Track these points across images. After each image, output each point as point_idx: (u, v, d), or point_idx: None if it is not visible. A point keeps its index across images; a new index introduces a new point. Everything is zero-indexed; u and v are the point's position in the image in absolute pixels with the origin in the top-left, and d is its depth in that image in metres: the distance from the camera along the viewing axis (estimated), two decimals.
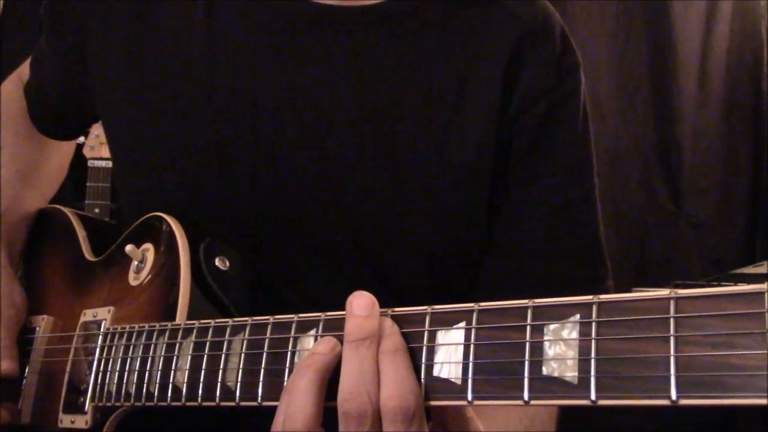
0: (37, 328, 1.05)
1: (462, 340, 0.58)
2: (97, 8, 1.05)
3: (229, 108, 0.97)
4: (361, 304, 0.64)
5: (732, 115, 3.23)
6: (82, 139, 2.81)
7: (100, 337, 0.92)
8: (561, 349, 0.52)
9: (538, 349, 0.53)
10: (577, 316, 0.52)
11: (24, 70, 1.25)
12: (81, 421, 0.91)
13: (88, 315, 0.97)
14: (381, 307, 0.65)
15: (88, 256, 1.08)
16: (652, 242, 3.20)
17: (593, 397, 0.50)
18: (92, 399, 0.90)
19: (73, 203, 2.60)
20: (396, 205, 0.95)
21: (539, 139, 0.98)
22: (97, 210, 2.70)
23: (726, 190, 3.23)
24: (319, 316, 0.68)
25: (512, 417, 0.89)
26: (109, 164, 2.81)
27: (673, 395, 0.48)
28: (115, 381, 0.86)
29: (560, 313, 0.53)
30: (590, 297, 0.52)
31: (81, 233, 1.11)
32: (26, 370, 1.03)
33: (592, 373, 0.50)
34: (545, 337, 0.53)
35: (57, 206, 1.20)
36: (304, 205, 0.95)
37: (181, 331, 0.80)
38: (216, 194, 0.97)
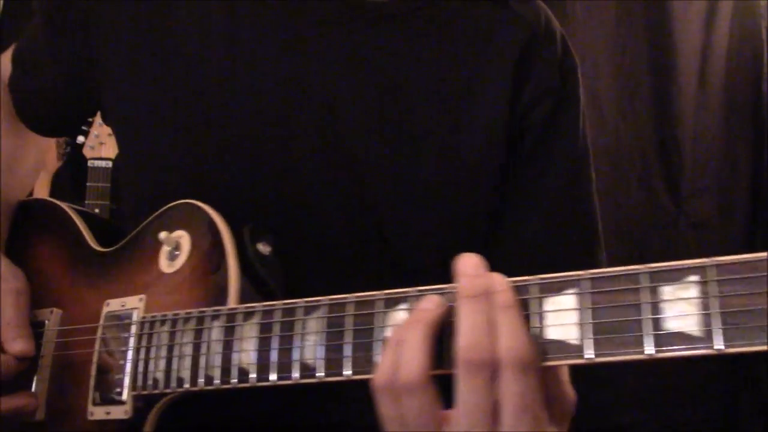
0: (46, 321, 1.03)
1: (574, 305, 0.60)
2: (106, 4, 1.04)
3: (248, 104, 0.97)
4: (469, 263, 0.68)
5: (732, 116, 3.24)
6: (81, 138, 2.79)
7: (135, 325, 0.91)
8: (681, 307, 0.54)
9: (656, 308, 0.55)
10: (696, 277, 0.55)
11: (3, 63, 1.21)
12: (119, 412, 0.90)
13: (113, 305, 0.96)
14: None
15: (95, 246, 1.06)
16: (652, 242, 3.21)
17: (722, 346, 0.52)
18: (132, 388, 0.88)
19: (73, 203, 2.57)
20: (410, 198, 0.97)
21: (544, 138, 1.02)
22: (96, 210, 2.70)
23: (726, 190, 3.24)
24: (408, 291, 0.71)
25: None
26: (109, 164, 2.80)
27: None
28: (162, 368, 0.86)
29: (675, 276, 0.56)
30: (705, 260, 0.56)
31: (82, 225, 1.10)
32: (37, 365, 1.01)
33: (719, 324, 0.52)
34: (662, 297, 0.55)
35: (49, 199, 1.18)
36: (321, 197, 0.97)
37: (241, 315, 0.80)
38: (237, 188, 0.97)
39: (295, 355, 0.74)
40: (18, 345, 0.98)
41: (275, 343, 0.76)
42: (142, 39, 1.01)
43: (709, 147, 3.23)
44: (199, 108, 0.98)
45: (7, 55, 1.24)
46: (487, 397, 0.64)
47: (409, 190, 0.97)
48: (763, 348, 0.50)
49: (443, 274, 0.97)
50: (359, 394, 0.70)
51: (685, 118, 3.20)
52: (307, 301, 0.75)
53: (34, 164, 1.29)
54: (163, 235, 0.94)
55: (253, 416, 0.93)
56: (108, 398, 0.91)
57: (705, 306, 0.53)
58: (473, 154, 0.98)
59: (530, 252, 1.01)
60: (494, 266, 0.99)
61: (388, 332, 0.70)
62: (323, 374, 0.72)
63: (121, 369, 0.90)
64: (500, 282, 0.67)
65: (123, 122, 1.06)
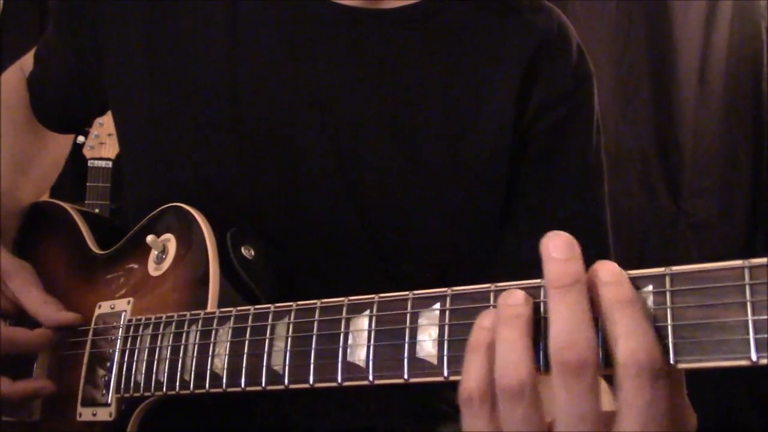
0: None
1: None
2: (114, 3, 1.04)
3: (251, 107, 0.97)
4: (559, 245, 0.56)
5: (732, 115, 3.24)
6: (81, 138, 2.80)
7: (122, 328, 0.91)
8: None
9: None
10: (650, 287, 0.53)
11: (27, 62, 1.23)
12: (104, 414, 0.90)
13: (104, 307, 0.96)
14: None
15: (94, 249, 1.07)
16: (652, 242, 3.21)
17: (672, 360, 0.52)
18: (117, 390, 0.88)
19: (73, 203, 2.58)
20: (411, 204, 0.96)
21: (554, 147, 1.00)
22: (97, 210, 2.70)
23: (726, 190, 3.24)
24: (373, 297, 0.67)
25: None
26: (109, 164, 2.80)
27: (753, 356, 0.49)
28: (143, 371, 0.85)
29: (636, 284, 0.54)
30: (662, 269, 0.53)
31: (84, 227, 1.10)
32: (34, 365, 1.02)
33: (670, 339, 0.52)
34: None
35: (55, 201, 1.18)
36: (323, 202, 0.96)
37: (216, 319, 0.80)
38: (236, 190, 0.97)
39: (264, 361, 0.73)
40: (63, 315, 0.98)
41: (246, 349, 0.75)
42: (146, 40, 1.01)
43: (709, 147, 3.22)
44: (201, 110, 0.98)
45: (11, 69, 1.27)
46: (592, 403, 0.54)
47: (410, 195, 0.96)
48: (718, 364, 0.49)
49: (438, 281, 0.97)
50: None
51: (685, 118, 3.20)
52: (277, 306, 0.74)
53: (52, 163, 1.29)
54: (150, 238, 0.94)
55: (240, 423, 0.93)
56: (95, 400, 0.91)
57: (661, 318, 0.52)
58: (477, 161, 0.97)
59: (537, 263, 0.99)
60: (497, 276, 0.99)
61: (351, 339, 0.68)
62: (288, 381, 0.71)
63: (107, 371, 0.91)
64: (616, 271, 0.55)
65: (126, 122, 1.06)
